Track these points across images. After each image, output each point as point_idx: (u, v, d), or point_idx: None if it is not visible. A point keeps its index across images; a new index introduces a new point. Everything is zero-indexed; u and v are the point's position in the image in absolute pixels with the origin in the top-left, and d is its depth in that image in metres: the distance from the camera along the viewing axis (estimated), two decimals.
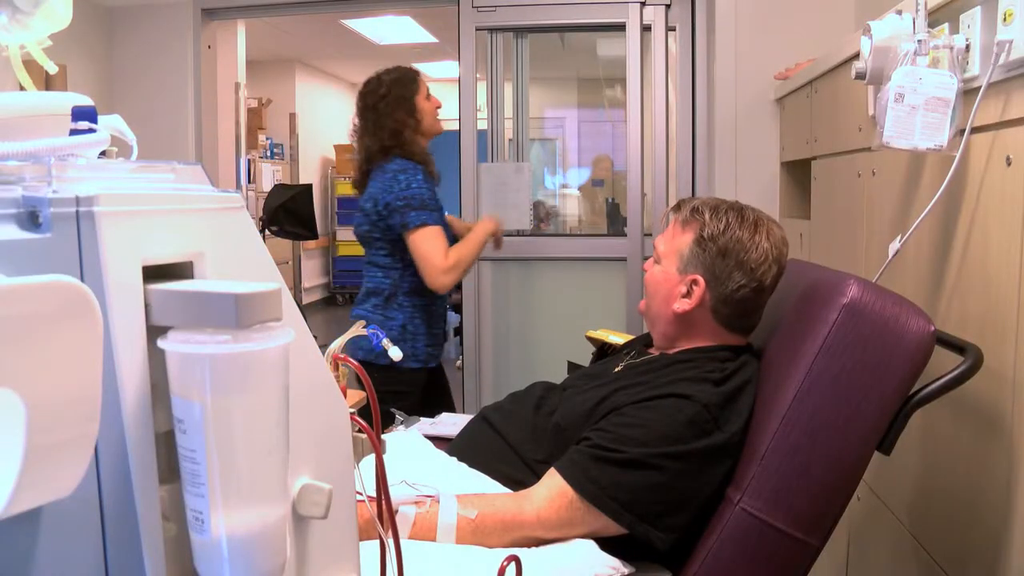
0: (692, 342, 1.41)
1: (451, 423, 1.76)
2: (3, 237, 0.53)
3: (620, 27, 3.15)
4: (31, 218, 0.54)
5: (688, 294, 1.38)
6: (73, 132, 0.69)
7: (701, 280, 1.37)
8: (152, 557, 0.56)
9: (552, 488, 1.22)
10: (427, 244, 2.28)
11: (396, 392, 2.32)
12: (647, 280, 1.46)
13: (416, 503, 1.19)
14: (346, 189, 9.17)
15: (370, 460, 0.77)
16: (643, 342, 1.56)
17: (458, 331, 5.85)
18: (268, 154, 7.88)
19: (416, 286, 2.37)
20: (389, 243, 2.36)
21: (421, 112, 2.40)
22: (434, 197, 2.37)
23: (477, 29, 3.25)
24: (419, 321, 2.39)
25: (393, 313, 2.36)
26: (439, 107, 2.47)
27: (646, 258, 3.15)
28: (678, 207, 1.45)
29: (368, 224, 2.38)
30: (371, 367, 2.33)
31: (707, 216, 1.38)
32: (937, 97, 1.24)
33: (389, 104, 2.37)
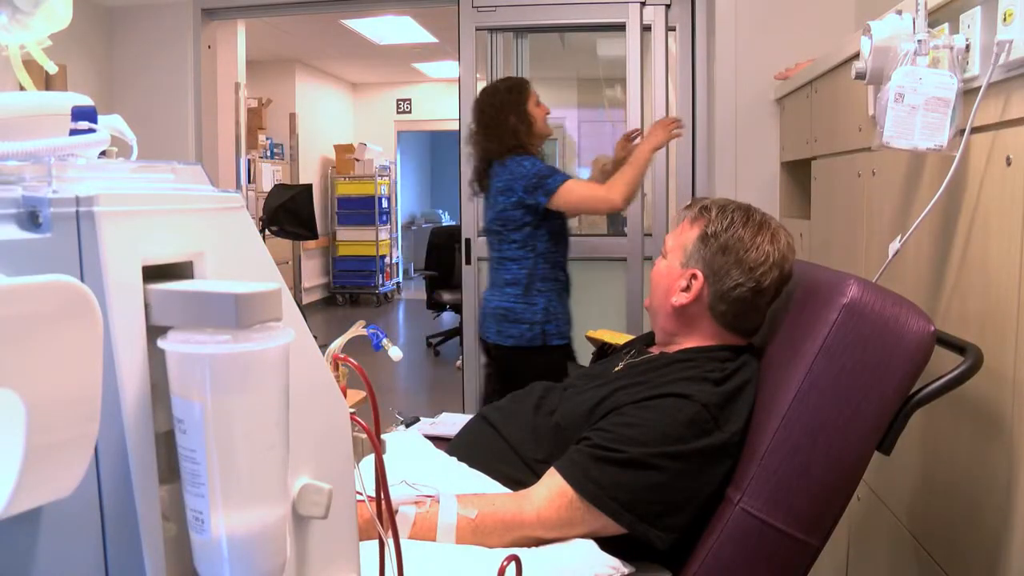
0: (691, 340, 1.41)
1: (451, 423, 1.76)
2: (3, 237, 0.53)
3: (620, 27, 3.16)
4: (31, 218, 0.54)
5: (687, 288, 1.39)
6: (73, 132, 0.69)
7: (700, 275, 1.38)
8: (152, 557, 0.56)
9: (552, 488, 1.22)
10: (577, 189, 2.47)
11: (549, 371, 2.48)
12: (652, 274, 1.49)
13: (416, 503, 1.19)
14: (346, 189, 9.17)
15: (370, 460, 0.77)
16: (643, 341, 1.56)
17: (458, 331, 5.85)
18: (268, 154, 7.88)
19: (547, 272, 2.55)
20: (520, 233, 2.52)
21: (532, 117, 2.58)
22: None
23: (477, 29, 3.26)
24: (556, 302, 2.56)
25: (534, 299, 2.53)
26: (548, 113, 2.65)
27: (647, 258, 3.17)
28: (689, 205, 1.47)
29: (502, 217, 2.53)
30: (524, 351, 2.53)
31: (713, 213, 1.41)
32: (937, 97, 1.24)
33: (505, 109, 2.55)
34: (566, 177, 2.45)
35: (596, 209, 2.59)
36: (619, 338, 1.84)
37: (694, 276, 1.39)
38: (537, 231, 2.51)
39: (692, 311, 1.40)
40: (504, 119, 2.54)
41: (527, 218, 2.49)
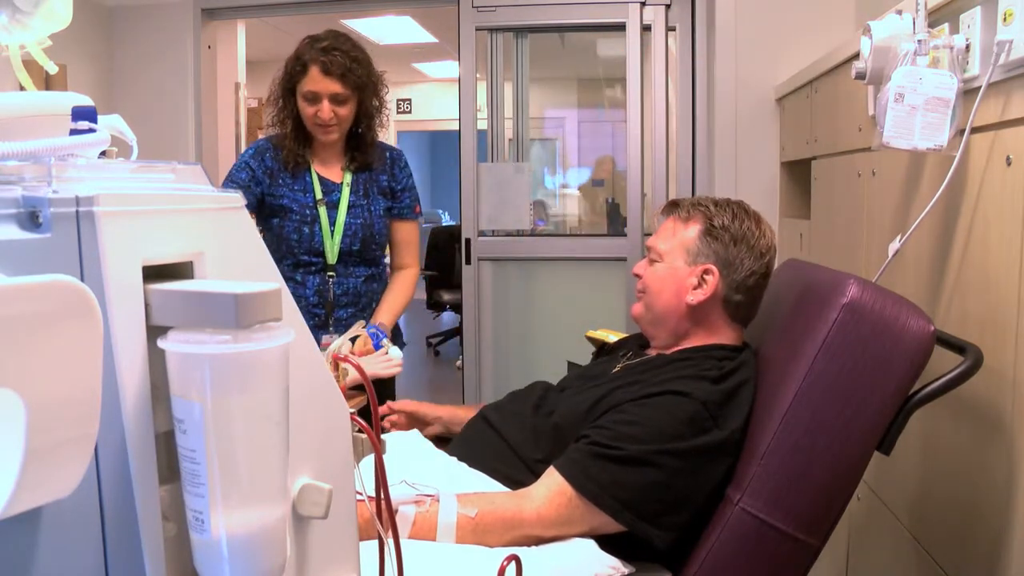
0: (696, 339, 1.41)
1: None
2: (3, 237, 0.53)
3: (620, 27, 3.15)
4: (31, 218, 0.54)
5: (700, 285, 1.39)
6: (73, 132, 0.69)
7: (714, 268, 1.39)
8: (152, 557, 0.56)
9: (551, 486, 1.22)
10: None
11: None
12: (648, 281, 1.45)
13: (416, 503, 1.19)
14: None
15: (370, 460, 0.77)
16: (638, 342, 1.56)
17: (458, 331, 5.85)
18: None
19: None
20: None
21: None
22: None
23: (477, 29, 3.25)
24: None
25: None
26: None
27: None
28: (672, 206, 1.47)
29: None
30: None
31: (712, 208, 1.42)
32: (937, 97, 1.24)
33: None
34: None
35: None
36: (619, 338, 1.84)
37: (707, 271, 1.39)
38: None
39: (706, 307, 1.40)
40: None
41: None
